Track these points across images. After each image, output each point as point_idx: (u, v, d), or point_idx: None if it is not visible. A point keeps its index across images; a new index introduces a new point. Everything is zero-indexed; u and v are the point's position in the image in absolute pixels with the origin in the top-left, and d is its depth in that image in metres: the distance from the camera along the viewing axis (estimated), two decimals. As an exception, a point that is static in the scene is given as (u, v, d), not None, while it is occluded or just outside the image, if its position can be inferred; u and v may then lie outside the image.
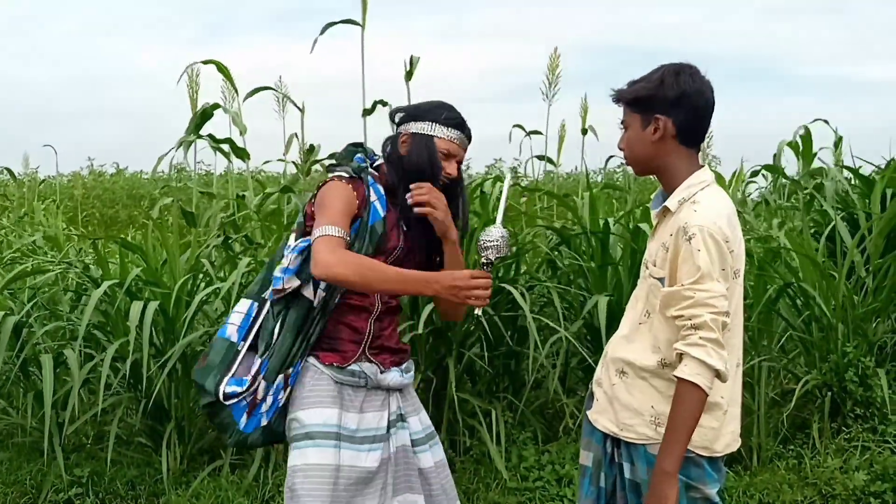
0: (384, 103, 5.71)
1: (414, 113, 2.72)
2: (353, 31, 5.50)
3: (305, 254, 2.61)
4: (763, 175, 6.13)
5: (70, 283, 5.16)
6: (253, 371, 2.61)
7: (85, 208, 12.11)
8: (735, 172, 6.37)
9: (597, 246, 4.68)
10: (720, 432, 2.38)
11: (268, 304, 2.66)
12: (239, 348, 2.64)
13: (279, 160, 6.50)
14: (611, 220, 4.72)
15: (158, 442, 4.42)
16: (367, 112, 5.77)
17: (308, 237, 2.62)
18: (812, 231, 5.32)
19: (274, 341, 2.61)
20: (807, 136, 5.54)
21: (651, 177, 2.61)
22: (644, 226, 4.45)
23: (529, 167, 11.31)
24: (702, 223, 2.25)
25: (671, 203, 2.37)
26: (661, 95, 2.37)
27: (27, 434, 4.62)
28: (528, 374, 4.38)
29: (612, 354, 2.49)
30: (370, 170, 2.73)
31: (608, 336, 3.34)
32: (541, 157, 6.13)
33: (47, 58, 25.97)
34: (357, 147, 2.80)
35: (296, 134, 5.64)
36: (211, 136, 5.40)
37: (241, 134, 5.40)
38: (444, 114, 2.70)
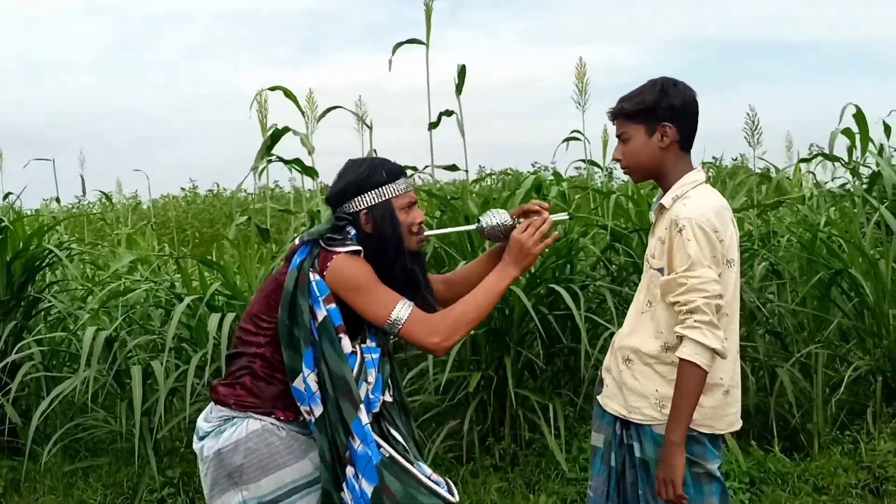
0: (449, 113, 5.96)
1: (356, 188, 2.57)
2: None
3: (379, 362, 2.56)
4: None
5: (162, 300, 5.56)
6: None
7: (185, 229, 12.68)
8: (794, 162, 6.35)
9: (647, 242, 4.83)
10: (721, 412, 2.56)
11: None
12: None
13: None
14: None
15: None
16: (432, 125, 6.02)
17: (371, 344, 2.56)
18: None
19: None
20: (861, 120, 5.43)
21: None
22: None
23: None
24: (690, 215, 2.47)
25: (666, 201, 2.59)
26: (666, 105, 2.58)
27: (124, 440, 5.02)
28: (582, 371, 4.56)
29: (618, 344, 2.71)
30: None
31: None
32: (585, 161, 6.27)
33: (147, 85, 27.06)
34: (343, 221, 2.60)
35: (374, 150, 5.93)
36: (280, 158, 5.71)
37: (309, 154, 5.69)
38: (384, 171, 2.59)
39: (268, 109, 5.84)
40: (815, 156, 5.87)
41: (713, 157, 9.70)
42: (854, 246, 4.72)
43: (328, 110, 5.84)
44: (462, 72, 5.62)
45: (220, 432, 2.60)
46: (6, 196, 6.09)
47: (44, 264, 5.67)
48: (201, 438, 2.66)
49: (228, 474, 2.58)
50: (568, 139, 6.11)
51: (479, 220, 2.65)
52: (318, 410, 2.49)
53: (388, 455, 2.45)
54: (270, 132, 5.73)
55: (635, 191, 5.25)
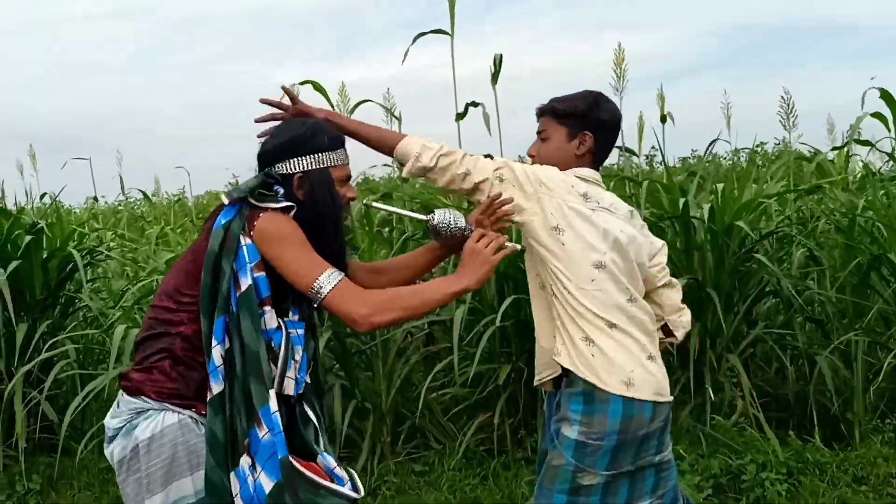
0: (475, 104, 5.93)
1: (293, 149, 2.32)
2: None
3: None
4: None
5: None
6: None
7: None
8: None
9: (681, 230, 4.74)
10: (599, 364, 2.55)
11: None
12: None
13: (385, 165, 6.89)
14: (691, 200, 4.74)
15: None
16: (459, 116, 6.00)
17: (294, 317, 2.35)
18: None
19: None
20: (891, 102, 5.21)
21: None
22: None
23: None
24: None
25: None
26: (593, 116, 2.66)
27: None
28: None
29: None
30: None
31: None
32: (620, 148, 6.20)
33: (177, 86, 27.33)
34: (272, 179, 2.34)
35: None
36: (311, 151, 5.74)
37: (342, 145, 5.72)
38: (326, 137, 2.36)
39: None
40: (847, 143, 5.71)
41: (759, 143, 9.54)
42: (893, 230, 4.59)
43: (358, 104, 5.88)
44: (498, 61, 5.58)
45: (133, 428, 2.27)
46: (42, 196, 6.19)
47: (85, 264, 5.71)
48: (111, 440, 2.34)
49: (138, 479, 2.26)
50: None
51: (433, 213, 2.51)
52: (218, 388, 2.20)
53: (288, 459, 2.19)
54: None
55: (668, 179, 5.13)
